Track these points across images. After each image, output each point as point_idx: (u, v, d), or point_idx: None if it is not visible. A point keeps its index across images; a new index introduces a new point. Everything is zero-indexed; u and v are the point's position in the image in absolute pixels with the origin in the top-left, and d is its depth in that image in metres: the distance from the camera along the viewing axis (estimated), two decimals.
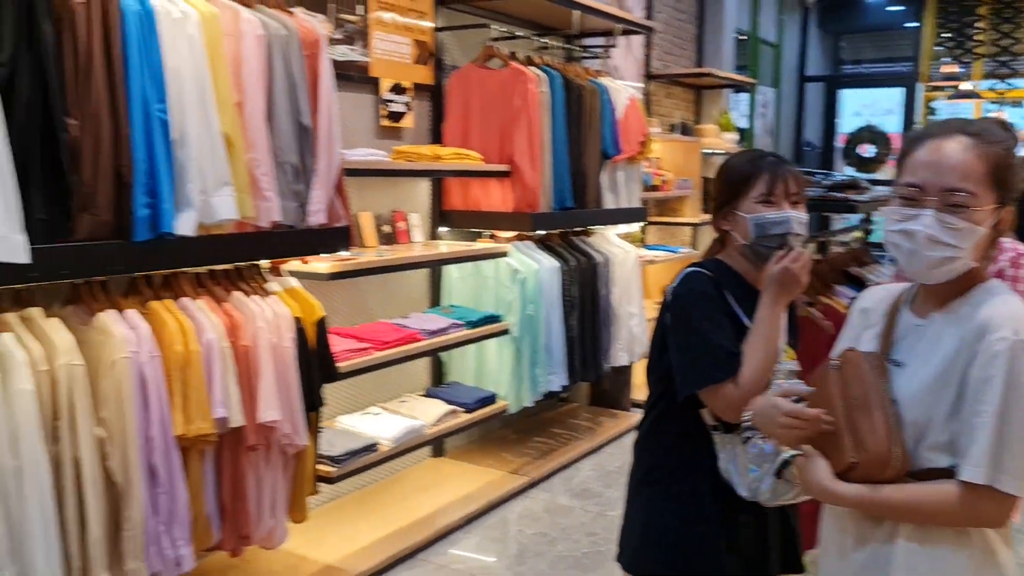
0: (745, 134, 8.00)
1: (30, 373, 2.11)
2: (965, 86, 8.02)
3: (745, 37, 8.15)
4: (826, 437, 1.44)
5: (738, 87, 7.64)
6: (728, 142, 6.79)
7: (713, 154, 6.63)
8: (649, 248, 5.78)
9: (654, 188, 5.77)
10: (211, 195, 2.47)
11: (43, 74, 2.08)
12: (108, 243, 2.26)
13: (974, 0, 8.12)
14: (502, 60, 4.15)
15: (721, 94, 7.45)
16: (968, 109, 8.86)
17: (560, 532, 3.72)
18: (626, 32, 5.14)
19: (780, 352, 1.78)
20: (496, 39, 4.20)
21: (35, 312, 2.25)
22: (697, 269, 1.86)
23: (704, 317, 1.78)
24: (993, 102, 8.15)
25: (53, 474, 2.17)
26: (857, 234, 3.45)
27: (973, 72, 8.35)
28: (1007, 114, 8.35)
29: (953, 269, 1.40)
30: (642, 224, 5.34)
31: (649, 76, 6.20)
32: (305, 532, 3.21)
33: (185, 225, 2.40)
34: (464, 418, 3.86)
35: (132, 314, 2.41)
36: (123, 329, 2.34)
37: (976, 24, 8.19)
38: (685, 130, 6.48)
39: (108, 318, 2.34)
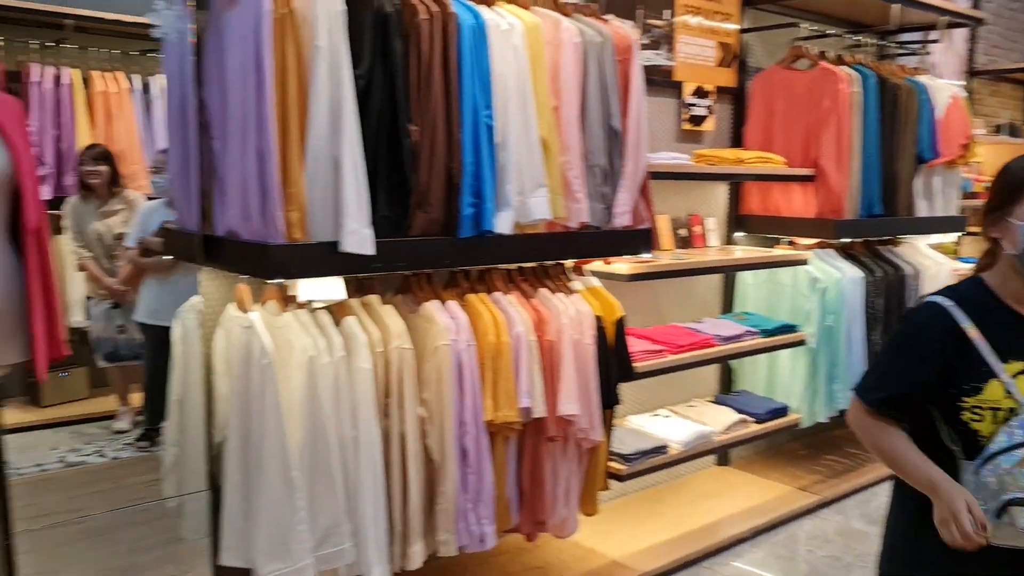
0: None
1: (369, 353, 2.35)
2: None
3: None
4: None
5: None
6: None
7: None
8: (964, 261, 5.27)
9: (974, 195, 5.26)
10: (527, 196, 2.60)
11: (392, 85, 2.31)
12: (438, 239, 2.46)
13: None
14: (810, 60, 3.98)
15: None
16: None
17: (855, 558, 3.51)
18: (950, 25, 4.74)
19: None
20: (804, 38, 4.05)
21: (373, 299, 2.50)
22: (936, 300, 1.72)
23: (901, 346, 1.75)
24: None
25: (383, 446, 2.40)
26: None
27: None
28: None
29: None
30: (958, 235, 4.89)
31: (972, 72, 5.66)
32: (594, 525, 3.29)
33: (504, 224, 2.55)
34: (754, 428, 3.76)
35: (452, 305, 2.60)
36: (445, 318, 2.54)
37: None
38: (1013, 131, 5.85)
39: (432, 307, 2.55)
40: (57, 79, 3.32)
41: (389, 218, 2.35)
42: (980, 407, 1.63)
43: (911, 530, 1.79)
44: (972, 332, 1.66)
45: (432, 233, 2.46)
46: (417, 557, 2.54)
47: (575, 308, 2.82)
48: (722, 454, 4.27)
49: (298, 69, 2.14)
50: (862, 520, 3.89)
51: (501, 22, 2.55)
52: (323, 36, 2.14)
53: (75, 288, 3.31)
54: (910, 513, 1.79)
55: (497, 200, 2.54)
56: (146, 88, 3.75)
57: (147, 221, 3.31)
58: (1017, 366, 1.64)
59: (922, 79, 4.29)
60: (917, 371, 1.69)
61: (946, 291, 1.75)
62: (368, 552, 2.37)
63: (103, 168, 3.24)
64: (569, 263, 3.01)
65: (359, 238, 2.21)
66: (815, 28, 4.09)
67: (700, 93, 3.91)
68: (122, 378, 3.43)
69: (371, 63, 2.27)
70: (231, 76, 2.19)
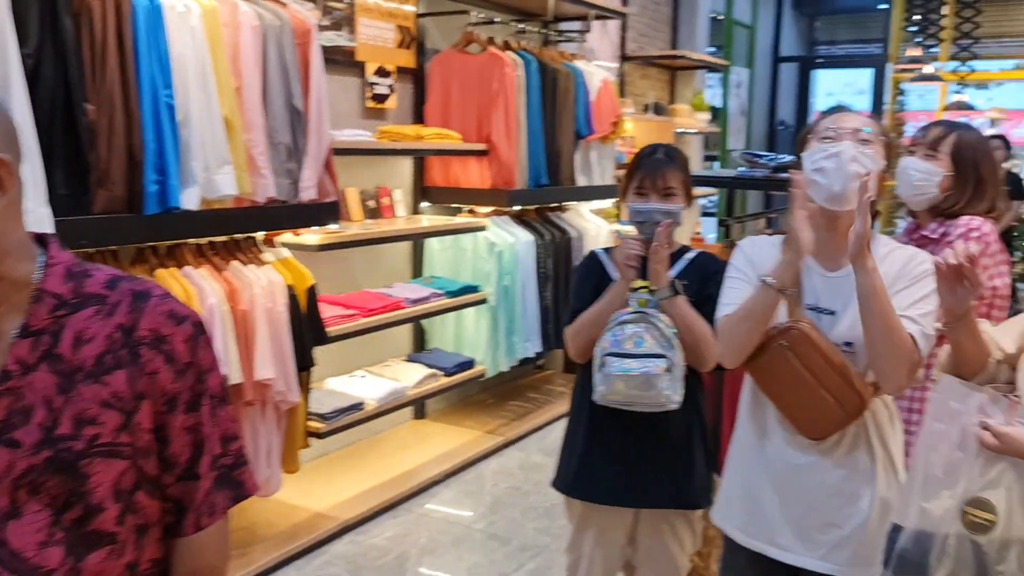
0: (719, 114, 8.25)
1: None
2: (928, 69, 8.26)
3: (721, 18, 8.37)
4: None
5: (712, 68, 7.87)
6: (701, 122, 7.06)
7: (685, 133, 6.90)
8: (624, 223, 6.05)
9: (627, 166, 6.02)
10: (213, 172, 2.71)
11: (64, 63, 2.32)
12: (121, 216, 2.51)
13: None
14: (480, 45, 4.39)
15: (695, 75, 7.70)
16: (934, 91, 9.13)
17: (532, 486, 4.01)
18: (599, 17, 5.37)
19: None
20: (475, 24, 4.44)
21: None
22: (593, 251, 2.37)
23: (577, 281, 2.34)
24: (958, 83, 8.41)
25: None
26: None
27: (940, 55, 8.60)
28: (968, 96, 8.61)
29: None
30: (615, 200, 5.61)
31: (624, 58, 6.44)
32: (297, 483, 3.48)
33: (190, 200, 2.65)
34: (443, 381, 4.14)
35: None
36: None
37: (942, 8, 8.46)
38: (658, 110, 6.74)
39: None
40: None
41: (68, 196, 2.37)
42: None
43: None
44: (610, 267, 2.25)
45: (116, 210, 2.50)
46: None
47: (267, 278, 2.98)
48: (419, 408, 4.63)
49: None
50: (540, 453, 4.43)
51: (177, 4, 2.63)
52: None
53: None
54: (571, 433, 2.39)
55: (182, 177, 2.64)
56: None
57: None
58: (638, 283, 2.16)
59: (578, 64, 4.87)
60: (584, 292, 2.25)
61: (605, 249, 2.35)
62: None
63: None
64: (260, 236, 3.15)
65: (34, 217, 2.21)
66: (484, 15, 4.49)
67: (382, 73, 4.17)
68: None
69: (39, 42, 2.27)
70: None
